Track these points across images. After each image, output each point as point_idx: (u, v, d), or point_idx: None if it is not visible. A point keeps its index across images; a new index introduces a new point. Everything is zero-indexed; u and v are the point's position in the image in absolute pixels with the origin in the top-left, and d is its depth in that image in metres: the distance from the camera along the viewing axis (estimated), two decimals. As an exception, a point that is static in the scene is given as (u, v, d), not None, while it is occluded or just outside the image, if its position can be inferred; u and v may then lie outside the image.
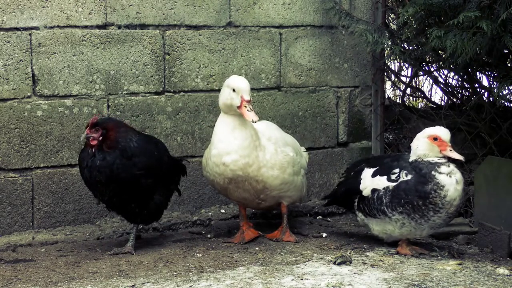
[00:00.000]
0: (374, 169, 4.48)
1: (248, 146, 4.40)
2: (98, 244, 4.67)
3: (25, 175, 4.79)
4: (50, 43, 4.78)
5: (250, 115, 4.28)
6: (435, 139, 4.27)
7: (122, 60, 5.01)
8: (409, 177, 4.29)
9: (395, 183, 4.33)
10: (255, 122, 4.32)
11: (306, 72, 5.63)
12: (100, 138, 4.27)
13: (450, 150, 4.25)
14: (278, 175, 4.52)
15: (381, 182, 4.38)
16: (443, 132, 4.29)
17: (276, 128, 4.83)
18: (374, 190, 4.41)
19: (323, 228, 5.16)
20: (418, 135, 4.37)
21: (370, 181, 4.44)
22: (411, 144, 4.41)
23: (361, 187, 4.48)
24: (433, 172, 4.22)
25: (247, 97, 4.32)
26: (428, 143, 4.28)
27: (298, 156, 4.73)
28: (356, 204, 4.58)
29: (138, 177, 4.32)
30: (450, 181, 4.20)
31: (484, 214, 4.82)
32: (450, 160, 4.29)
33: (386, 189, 4.35)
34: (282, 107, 5.56)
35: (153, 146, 4.49)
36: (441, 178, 4.21)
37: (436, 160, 4.27)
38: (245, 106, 4.31)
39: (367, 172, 4.51)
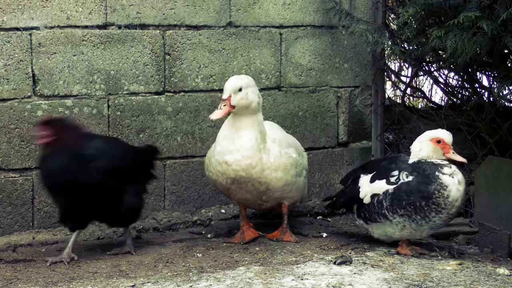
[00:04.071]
0: (371, 174, 4.48)
1: (252, 147, 4.40)
2: (98, 244, 4.67)
3: (25, 175, 4.79)
4: (50, 43, 4.79)
5: (213, 113, 4.35)
6: (439, 141, 4.29)
7: (122, 60, 5.01)
8: (410, 178, 4.29)
9: (394, 186, 4.33)
10: (212, 120, 4.35)
11: (306, 72, 5.63)
12: (53, 138, 4.08)
13: (453, 153, 4.29)
14: (281, 177, 4.52)
15: (380, 186, 4.38)
16: (446, 135, 4.31)
17: (279, 128, 4.83)
18: (373, 195, 4.41)
19: (323, 228, 5.16)
20: (420, 137, 4.38)
21: (369, 187, 4.44)
22: (412, 146, 4.41)
23: (361, 195, 4.48)
24: (436, 173, 4.23)
25: (223, 95, 4.36)
26: (431, 146, 4.30)
27: (300, 157, 4.73)
28: (355, 211, 4.58)
29: (99, 181, 4.10)
30: (452, 181, 4.22)
31: (484, 214, 4.82)
32: (451, 162, 4.30)
33: (385, 192, 4.35)
34: (282, 107, 5.56)
35: (110, 147, 4.29)
36: (445, 179, 4.22)
37: (439, 161, 4.28)
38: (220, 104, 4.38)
39: (365, 179, 4.51)
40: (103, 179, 4.11)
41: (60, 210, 4.29)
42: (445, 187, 4.21)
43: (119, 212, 4.28)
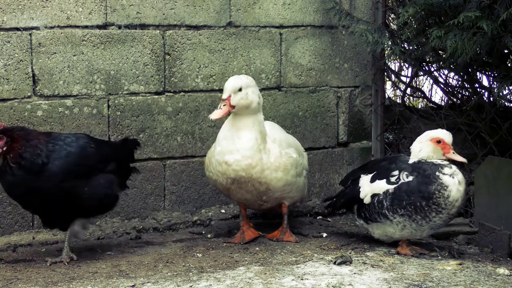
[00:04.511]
0: (372, 174, 4.48)
1: (251, 147, 4.40)
2: (98, 244, 4.67)
3: (25, 175, 4.78)
4: (50, 43, 4.79)
5: (212, 113, 4.36)
6: (439, 141, 4.29)
7: (122, 60, 5.01)
8: (411, 178, 4.29)
9: (395, 185, 4.33)
10: (211, 119, 4.34)
11: (306, 72, 5.63)
12: (5, 148, 3.99)
13: (453, 153, 4.28)
14: (281, 177, 4.52)
15: (381, 186, 4.38)
16: (446, 135, 4.31)
17: (279, 129, 4.83)
18: (374, 195, 4.41)
19: (323, 228, 5.16)
20: (420, 138, 4.37)
21: (370, 187, 4.44)
22: (412, 147, 4.40)
23: (362, 195, 4.47)
24: (437, 173, 4.23)
25: (223, 95, 4.36)
26: (432, 146, 4.30)
27: (300, 157, 4.73)
28: (356, 211, 4.58)
29: (55, 186, 4.04)
30: (453, 181, 4.22)
31: (484, 214, 4.82)
32: (452, 162, 4.30)
33: (386, 192, 4.35)
34: (282, 107, 5.56)
35: (66, 148, 4.13)
36: (445, 179, 4.22)
37: (439, 161, 4.28)
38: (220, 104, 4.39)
39: (365, 179, 4.51)
40: (58, 183, 4.04)
41: (39, 217, 4.33)
42: (445, 187, 4.21)
43: (84, 207, 4.21)
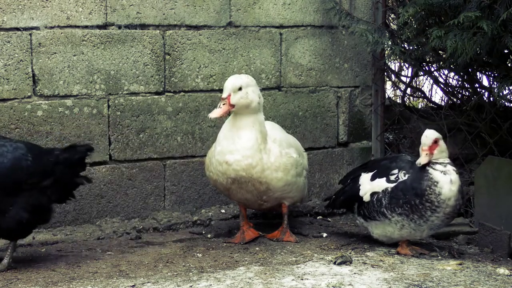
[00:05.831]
0: (372, 173, 4.48)
1: (252, 147, 4.40)
2: (98, 244, 4.67)
3: (25, 175, 4.78)
4: (51, 43, 4.79)
5: (212, 111, 4.37)
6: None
7: (123, 60, 5.01)
8: (407, 176, 4.31)
9: (393, 184, 4.33)
10: (211, 118, 4.36)
11: (307, 72, 5.63)
12: None
13: (423, 153, 4.22)
14: (281, 177, 4.52)
15: (380, 184, 4.38)
16: (423, 135, 4.28)
17: (279, 128, 4.83)
18: (373, 194, 4.41)
19: (323, 228, 5.16)
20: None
21: (370, 185, 4.44)
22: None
23: (361, 193, 4.48)
24: (427, 168, 4.24)
25: (223, 94, 4.36)
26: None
27: (300, 157, 4.73)
28: (356, 209, 4.58)
29: None
30: (444, 178, 4.21)
31: (484, 214, 4.82)
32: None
33: (385, 190, 4.35)
34: (282, 107, 5.56)
35: None
36: (435, 174, 4.22)
37: (433, 160, 4.28)
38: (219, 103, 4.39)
39: (365, 177, 4.51)
40: None
41: None
42: (436, 183, 4.20)
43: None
